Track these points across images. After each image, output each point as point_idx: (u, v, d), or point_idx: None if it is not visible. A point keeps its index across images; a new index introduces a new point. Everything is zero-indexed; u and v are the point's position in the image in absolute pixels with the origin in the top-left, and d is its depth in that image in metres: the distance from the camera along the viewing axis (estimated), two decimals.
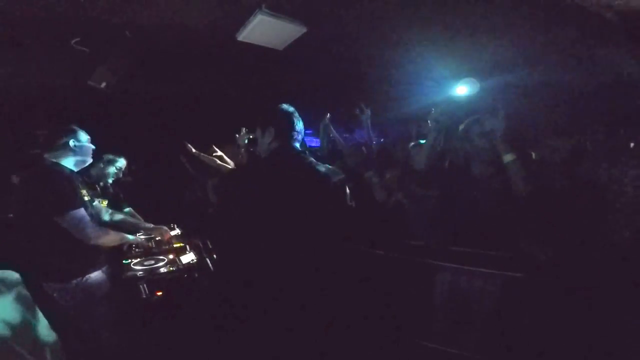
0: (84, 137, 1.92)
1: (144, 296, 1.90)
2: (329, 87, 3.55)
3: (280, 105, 1.53)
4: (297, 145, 1.50)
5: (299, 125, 1.51)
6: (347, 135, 4.52)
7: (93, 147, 1.97)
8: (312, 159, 1.49)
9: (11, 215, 2.25)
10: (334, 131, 3.15)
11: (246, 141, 2.58)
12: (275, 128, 1.47)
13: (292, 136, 1.48)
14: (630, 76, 2.29)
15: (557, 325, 1.67)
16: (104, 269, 1.93)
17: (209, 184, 3.43)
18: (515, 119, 1.92)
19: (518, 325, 1.82)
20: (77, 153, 1.86)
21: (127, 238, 1.98)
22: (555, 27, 2.02)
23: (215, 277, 2.15)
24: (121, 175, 2.99)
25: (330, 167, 1.51)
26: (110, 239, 1.89)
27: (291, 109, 1.52)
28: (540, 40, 2.22)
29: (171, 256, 2.24)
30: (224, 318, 1.87)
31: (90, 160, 1.98)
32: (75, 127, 1.91)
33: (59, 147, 1.82)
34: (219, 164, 2.71)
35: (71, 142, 1.83)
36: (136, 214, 2.99)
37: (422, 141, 2.41)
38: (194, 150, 2.84)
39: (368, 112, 2.85)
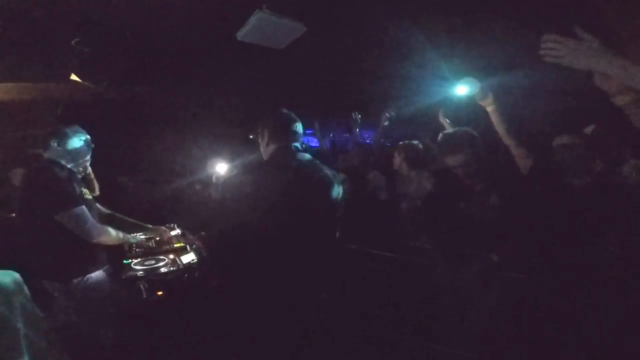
0: (78, 138, 1.90)
1: (144, 296, 1.90)
2: (328, 87, 3.56)
3: (277, 106, 1.53)
4: (297, 146, 1.49)
5: (298, 126, 1.50)
6: (347, 135, 4.52)
7: (89, 147, 1.96)
8: (313, 158, 1.48)
9: (13, 214, 2.25)
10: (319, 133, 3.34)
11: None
12: (273, 129, 1.47)
13: (291, 137, 1.47)
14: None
15: (556, 325, 1.67)
16: (105, 268, 1.93)
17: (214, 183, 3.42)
18: (516, 118, 1.91)
19: (517, 325, 1.81)
20: (70, 153, 1.86)
21: (127, 237, 1.99)
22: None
23: (215, 277, 2.15)
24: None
25: (330, 167, 1.51)
26: (111, 237, 1.89)
27: (288, 110, 1.52)
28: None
29: (171, 256, 2.24)
30: (224, 318, 1.87)
31: (88, 160, 1.98)
32: (67, 129, 1.87)
33: (53, 147, 1.82)
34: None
35: (62, 143, 1.83)
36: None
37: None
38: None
39: (356, 116, 3.13)
